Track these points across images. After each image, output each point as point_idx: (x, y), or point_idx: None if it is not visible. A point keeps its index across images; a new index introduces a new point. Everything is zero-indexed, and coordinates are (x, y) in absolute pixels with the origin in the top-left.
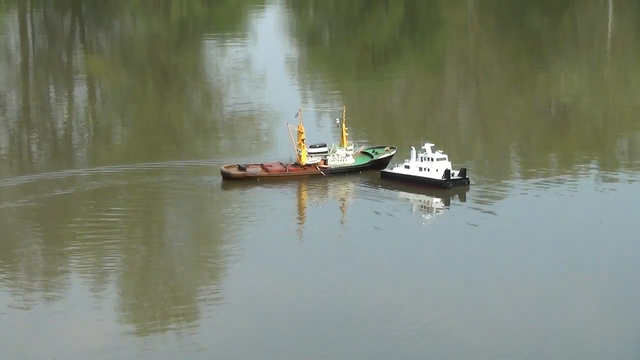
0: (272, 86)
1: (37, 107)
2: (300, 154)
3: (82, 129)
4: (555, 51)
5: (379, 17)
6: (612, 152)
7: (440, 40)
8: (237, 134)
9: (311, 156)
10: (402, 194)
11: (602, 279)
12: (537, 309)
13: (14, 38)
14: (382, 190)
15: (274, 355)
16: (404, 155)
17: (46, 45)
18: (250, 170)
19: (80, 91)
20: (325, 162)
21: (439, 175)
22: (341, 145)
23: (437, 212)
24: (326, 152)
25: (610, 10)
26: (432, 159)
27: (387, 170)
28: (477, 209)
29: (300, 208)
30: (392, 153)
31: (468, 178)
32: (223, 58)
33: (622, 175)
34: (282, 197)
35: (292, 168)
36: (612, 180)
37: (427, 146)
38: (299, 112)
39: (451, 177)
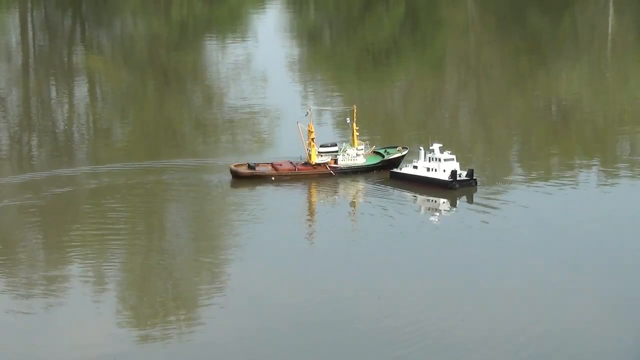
0: (273, 86)
1: (37, 105)
2: (310, 153)
3: (83, 128)
4: (556, 51)
5: (380, 17)
6: (613, 150)
7: (440, 40)
8: (239, 133)
9: (321, 155)
10: (408, 195)
11: (602, 279)
12: (537, 309)
13: (14, 37)
14: (389, 190)
15: (274, 356)
16: (415, 155)
17: (47, 44)
18: (260, 169)
19: (81, 90)
20: (335, 161)
21: (445, 176)
22: (352, 144)
23: (441, 213)
24: (336, 151)
25: (611, 10)
26: (439, 159)
27: (395, 170)
28: (481, 210)
29: (307, 207)
30: (404, 153)
31: (476, 179)
32: (223, 57)
33: (623, 176)
34: (289, 196)
35: (302, 167)
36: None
37: (436, 146)
38: (308, 111)
39: (458, 178)
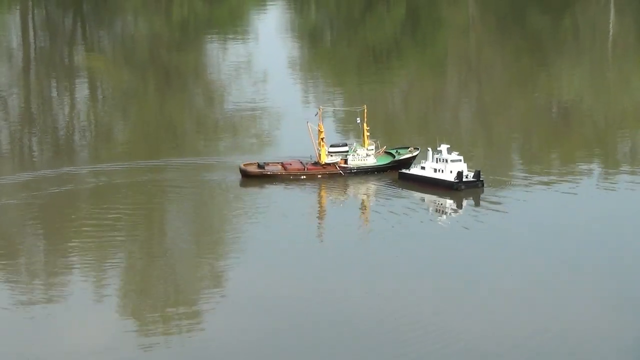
0: (274, 85)
1: (38, 105)
2: (320, 152)
3: (84, 127)
4: (557, 51)
5: (380, 17)
6: (614, 150)
7: (441, 40)
8: (240, 133)
9: (331, 155)
10: (415, 195)
11: (602, 279)
12: (537, 309)
13: (15, 37)
14: (396, 190)
15: (274, 355)
16: (424, 156)
17: (47, 43)
18: (270, 169)
19: (82, 90)
20: (345, 161)
21: (451, 177)
22: (362, 144)
23: (446, 214)
24: (347, 151)
25: (612, 10)
26: (446, 160)
27: (404, 171)
28: (484, 211)
29: (314, 207)
30: (415, 154)
31: (482, 180)
32: (224, 57)
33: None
34: (297, 196)
35: (312, 167)
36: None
37: (443, 147)
38: (318, 111)
39: (464, 179)
